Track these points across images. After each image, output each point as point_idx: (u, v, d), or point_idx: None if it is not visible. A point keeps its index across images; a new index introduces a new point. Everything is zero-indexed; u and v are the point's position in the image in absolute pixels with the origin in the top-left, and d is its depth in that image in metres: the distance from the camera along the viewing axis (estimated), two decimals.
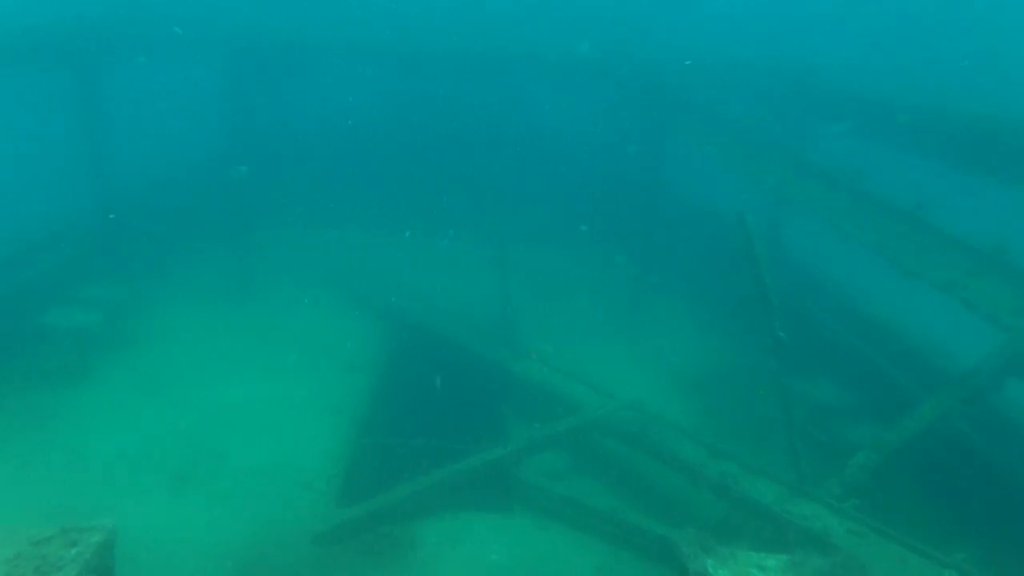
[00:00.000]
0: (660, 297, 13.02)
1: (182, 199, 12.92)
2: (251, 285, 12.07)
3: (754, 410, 9.65)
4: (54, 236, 10.93)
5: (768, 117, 9.92)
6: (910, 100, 9.77)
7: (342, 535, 6.79)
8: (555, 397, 9.15)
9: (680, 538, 6.15)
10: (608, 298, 13.01)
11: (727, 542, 5.19)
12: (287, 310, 11.80)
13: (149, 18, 11.67)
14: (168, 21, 11.67)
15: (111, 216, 10.66)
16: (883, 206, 8.16)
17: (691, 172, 13.56)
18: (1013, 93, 9.90)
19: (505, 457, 7.73)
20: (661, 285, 12.97)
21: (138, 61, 11.15)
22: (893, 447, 6.63)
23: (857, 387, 9.08)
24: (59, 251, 10.57)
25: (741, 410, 9.65)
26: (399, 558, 6.65)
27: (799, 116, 11.14)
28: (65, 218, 11.59)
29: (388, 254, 14.18)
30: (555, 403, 9.10)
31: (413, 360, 10.40)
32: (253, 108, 11.92)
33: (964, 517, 7.36)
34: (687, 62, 11.45)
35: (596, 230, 13.84)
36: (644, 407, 8.60)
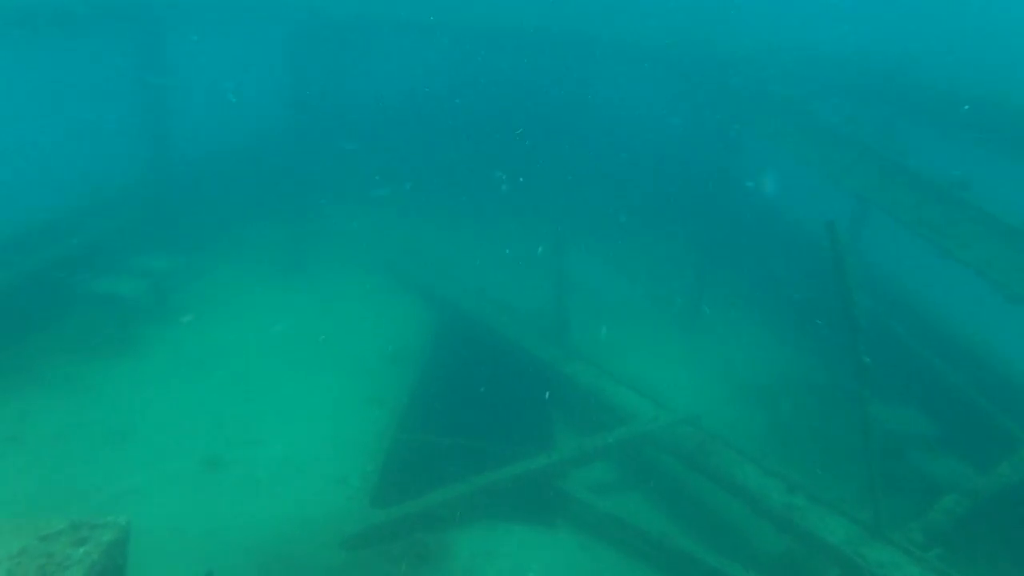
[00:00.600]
0: (725, 299, 12.30)
1: (239, 172, 12.73)
2: (302, 263, 11.83)
3: (824, 432, 8.97)
4: (107, 203, 10.84)
5: (857, 115, 9.09)
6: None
7: (373, 539, 6.41)
8: (606, 404, 8.60)
9: None
10: (669, 296, 12.37)
11: None
12: (337, 291, 11.52)
13: None
14: None
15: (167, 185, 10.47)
16: (989, 221, 7.32)
17: (766, 171, 12.76)
18: None
19: (550, 467, 7.24)
20: (727, 286, 12.27)
21: (195, 36, 10.94)
22: (988, 493, 5.89)
23: (941, 417, 8.27)
24: (111, 218, 10.47)
25: (809, 431, 8.95)
26: (431, 569, 6.24)
27: (892, 115, 10.24)
28: (119, 185, 11.49)
29: (442, 239, 13.82)
30: (605, 410, 8.57)
31: (459, 352, 10.00)
32: (313, 82, 11.62)
33: None
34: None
35: (660, 224, 13.18)
36: (701, 423, 8.01)
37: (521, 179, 14.68)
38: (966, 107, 9.05)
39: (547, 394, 9.15)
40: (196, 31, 11.28)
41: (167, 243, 10.75)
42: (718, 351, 11.11)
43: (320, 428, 8.08)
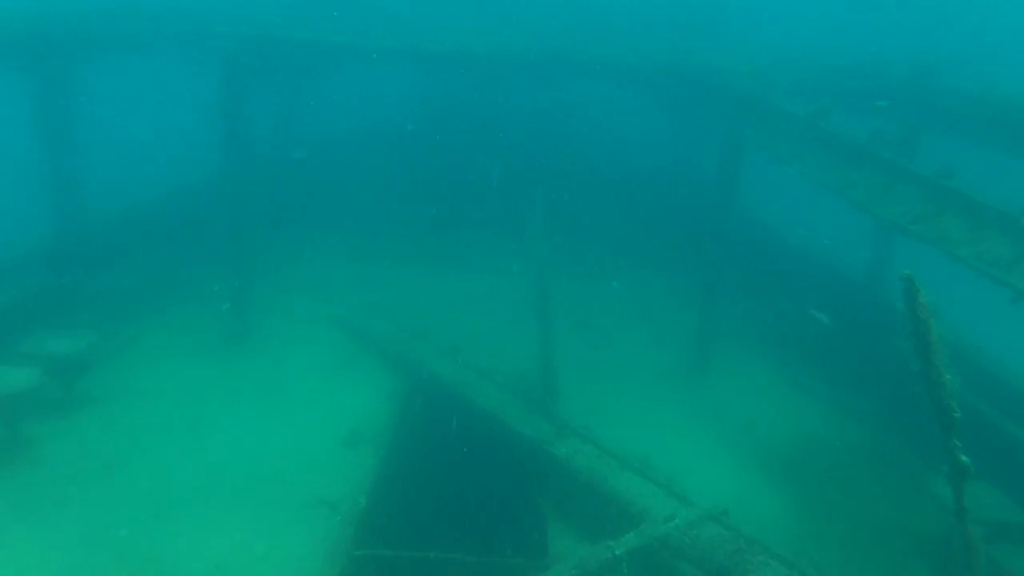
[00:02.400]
0: (738, 345, 10.80)
1: (166, 224, 11.01)
2: (243, 326, 10.16)
3: (871, 513, 7.43)
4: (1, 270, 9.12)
5: (885, 131, 7.71)
6: None
7: None
8: (609, 495, 7.04)
9: None
10: (673, 344, 10.87)
11: None
12: (283, 359, 9.85)
13: (128, 11, 9.82)
14: (151, 15, 9.82)
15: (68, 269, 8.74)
16: None
17: (777, 196, 11.36)
18: None
19: None
20: (739, 330, 10.77)
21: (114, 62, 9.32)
22: None
23: None
24: (5, 290, 8.76)
25: (853, 513, 7.40)
26: None
27: (928, 129, 8.85)
28: (17, 249, 9.73)
29: (409, 287, 12.26)
30: (609, 503, 7.01)
31: (429, 431, 8.40)
32: (253, 119, 10.02)
33: None
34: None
35: (659, 257, 11.71)
36: (729, 518, 6.45)
37: (500, 212, 13.26)
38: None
39: (536, 480, 7.59)
40: (111, 63, 9.63)
41: (77, 315, 9.07)
42: (732, 406, 9.60)
43: (252, 550, 6.40)
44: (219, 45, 9.27)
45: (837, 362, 9.87)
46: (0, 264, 9.10)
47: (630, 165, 13.83)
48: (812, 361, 10.19)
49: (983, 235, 6.58)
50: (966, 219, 6.80)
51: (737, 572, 5.79)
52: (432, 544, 6.36)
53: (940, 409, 4.30)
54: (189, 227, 10.80)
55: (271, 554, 6.38)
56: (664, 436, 8.76)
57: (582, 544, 6.51)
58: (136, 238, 10.39)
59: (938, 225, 6.97)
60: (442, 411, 8.67)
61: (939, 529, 6.75)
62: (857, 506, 7.44)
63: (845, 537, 6.93)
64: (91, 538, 6.35)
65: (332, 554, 6.38)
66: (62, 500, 6.81)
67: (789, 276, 10.89)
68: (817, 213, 10.44)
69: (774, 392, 10.02)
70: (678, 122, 13.21)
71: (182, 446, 7.76)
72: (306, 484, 7.38)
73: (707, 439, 8.89)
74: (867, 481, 7.90)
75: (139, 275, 10.16)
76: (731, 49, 10.13)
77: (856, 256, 10.44)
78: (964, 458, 4.36)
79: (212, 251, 10.43)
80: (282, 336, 10.39)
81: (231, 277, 10.14)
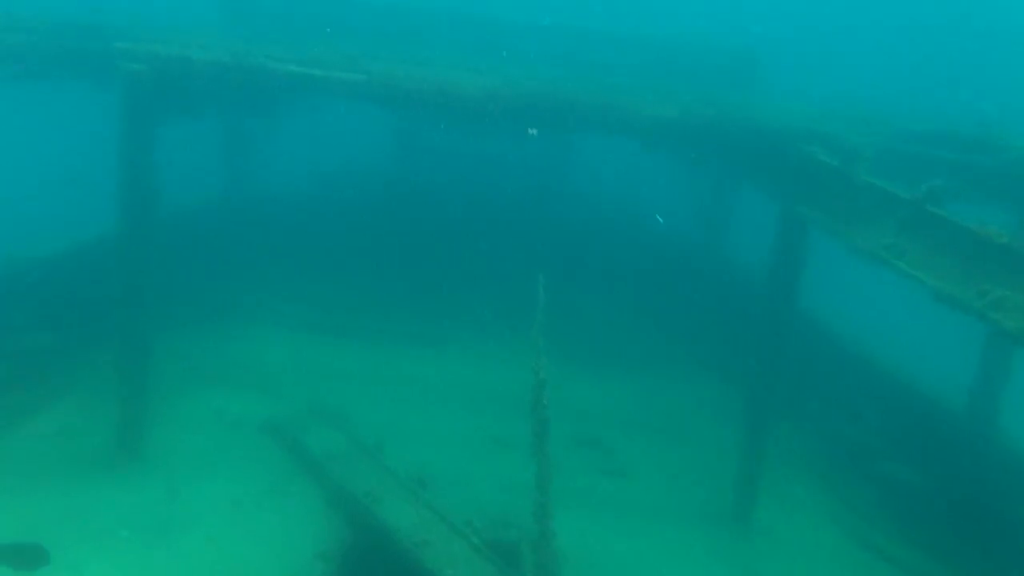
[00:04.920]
0: (787, 482, 8.40)
1: (43, 298, 8.39)
2: (135, 440, 7.56)
3: None
4: None
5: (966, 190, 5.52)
6: None
7: None
8: None
9: None
10: (703, 472, 8.47)
11: None
12: (182, 488, 7.22)
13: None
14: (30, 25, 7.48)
15: None
16: None
17: (824, 273, 9.09)
18: None
19: None
20: (788, 462, 8.40)
21: None
22: None
23: None
24: None
25: None
26: None
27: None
28: None
29: (369, 375, 9.85)
30: None
31: None
32: (164, 162, 7.57)
33: None
34: None
35: (682, 359, 9.45)
36: None
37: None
38: None
39: None
40: None
41: None
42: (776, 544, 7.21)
43: None
44: (120, 66, 6.89)
45: (928, 517, 7.46)
46: None
47: (646, 238, 11.66)
48: (891, 512, 7.77)
49: None
50: None
51: None
52: None
53: None
54: (77, 299, 8.25)
55: None
56: None
57: None
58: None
59: None
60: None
61: None
62: None
63: None
64: None
65: None
66: None
67: (859, 397, 8.54)
68: (892, 317, 8.17)
69: (838, 555, 7.55)
70: (710, 190, 11.12)
71: None
72: None
73: None
74: None
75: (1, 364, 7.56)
76: (776, 104, 8.04)
77: (950, 375, 8.18)
78: None
79: (108, 331, 7.85)
80: (189, 449, 7.81)
81: (127, 364, 7.60)
